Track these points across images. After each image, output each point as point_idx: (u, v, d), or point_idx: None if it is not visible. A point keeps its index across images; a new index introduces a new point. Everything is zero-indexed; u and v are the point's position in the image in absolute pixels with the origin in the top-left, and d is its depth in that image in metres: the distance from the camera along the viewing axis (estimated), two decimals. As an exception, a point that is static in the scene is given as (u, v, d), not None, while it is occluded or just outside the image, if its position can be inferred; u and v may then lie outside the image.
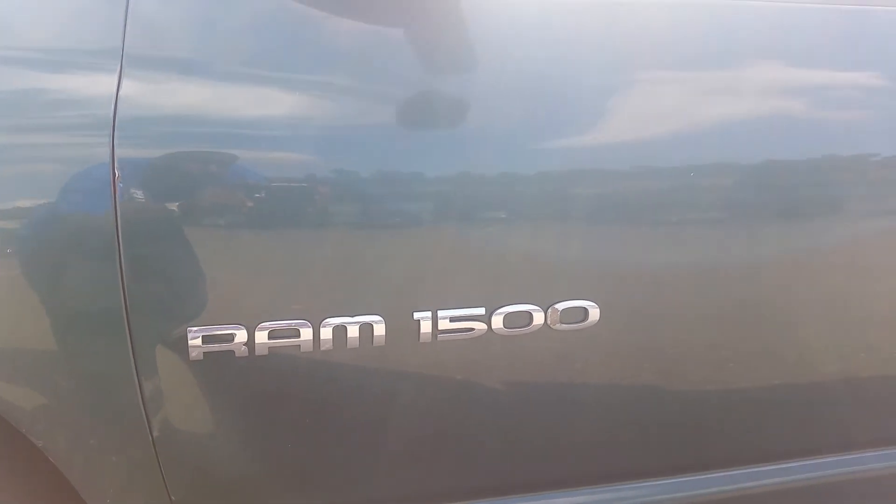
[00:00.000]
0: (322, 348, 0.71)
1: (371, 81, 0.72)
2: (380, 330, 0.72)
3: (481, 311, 0.74)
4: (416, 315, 0.72)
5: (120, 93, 0.64)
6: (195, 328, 0.68)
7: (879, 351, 0.93)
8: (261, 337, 0.69)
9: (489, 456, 0.85)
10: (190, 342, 0.68)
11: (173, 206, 0.66)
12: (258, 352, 0.69)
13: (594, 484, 0.90)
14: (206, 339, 0.68)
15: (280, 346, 0.70)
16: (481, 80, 0.74)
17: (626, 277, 0.79)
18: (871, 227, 0.87)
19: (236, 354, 0.69)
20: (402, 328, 0.72)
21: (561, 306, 0.76)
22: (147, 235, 0.65)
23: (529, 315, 0.75)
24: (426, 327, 0.73)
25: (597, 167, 0.76)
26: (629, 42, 0.79)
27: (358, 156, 0.69)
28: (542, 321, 0.76)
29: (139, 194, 0.64)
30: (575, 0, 0.77)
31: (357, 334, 0.71)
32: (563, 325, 0.76)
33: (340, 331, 0.71)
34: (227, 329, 0.68)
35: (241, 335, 0.69)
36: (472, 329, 0.74)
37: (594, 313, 0.77)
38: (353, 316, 0.71)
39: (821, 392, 0.94)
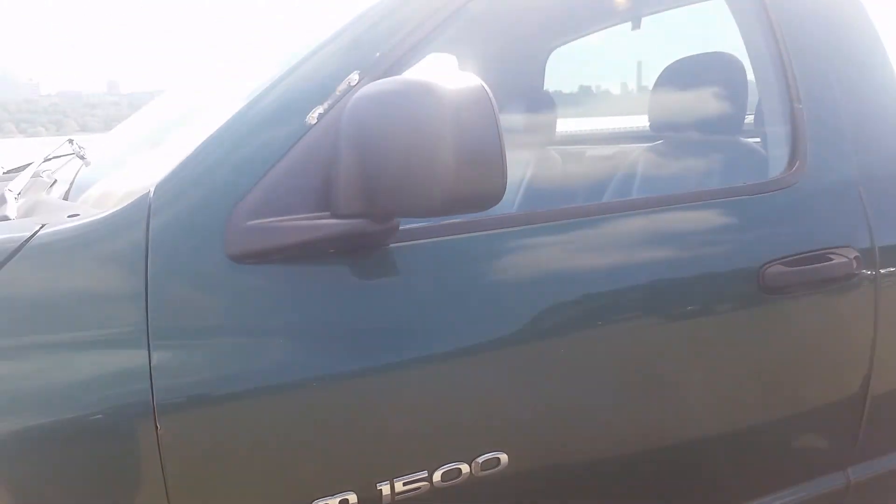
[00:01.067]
0: None
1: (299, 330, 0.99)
2: (353, 500, 0.99)
3: (424, 473, 1.03)
4: (379, 486, 1.00)
5: (153, 363, 0.90)
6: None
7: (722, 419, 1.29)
8: None
9: None
10: None
11: (200, 441, 0.92)
12: None
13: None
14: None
15: None
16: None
17: (522, 430, 1.10)
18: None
19: None
20: (370, 498, 1.00)
21: (480, 459, 1.06)
22: (183, 464, 0.91)
23: (459, 470, 1.05)
24: (387, 491, 1.01)
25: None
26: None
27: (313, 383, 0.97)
28: (468, 472, 1.05)
29: (175, 434, 0.90)
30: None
31: (337, 507, 0.98)
32: (483, 472, 1.06)
33: (325, 508, 0.98)
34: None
35: None
36: (420, 487, 1.03)
37: (504, 459, 1.07)
38: (332, 495, 0.98)
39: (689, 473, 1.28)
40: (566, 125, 2.73)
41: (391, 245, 1.03)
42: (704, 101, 1.71)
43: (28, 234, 0.94)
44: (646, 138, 2.05)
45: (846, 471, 1.42)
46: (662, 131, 1.86)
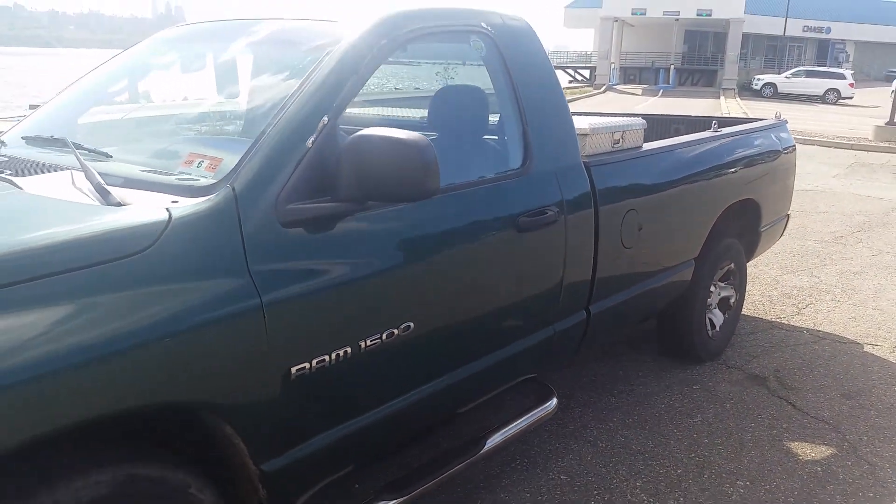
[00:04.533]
0: None
1: None
2: (349, 350, 1.85)
3: (379, 334, 1.92)
4: (359, 342, 1.87)
5: (255, 280, 1.66)
6: None
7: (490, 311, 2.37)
8: None
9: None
10: None
11: (285, 314, 1.70)
12: None
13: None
14: None
15: None
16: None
17: (420, 310, 2.04)
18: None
19: None
20: (357, 348, 1.86)
21: (401, 326, 1.98)
22: (277, 326, 1.68)
23: (393, 332, 1.96)
24: (363, 345, 1.88)
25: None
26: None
27: None
28: (397, 333, 1.97)
29: (272, 312, 1.67)
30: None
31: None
32: (403, 333, 1.99)
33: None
34: None
35: None
36: (377, 342, 1.91)
37: (412, 325, 2.01)
38: (339, 348, 1.83)
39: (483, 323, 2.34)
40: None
41: (358, 214, 1.88)
42: (463, 112, 2.75)
43: (165, 216, 1.60)
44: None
45: (553, 325, 2.64)
46: (437, 129, 2.86)
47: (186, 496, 1.62)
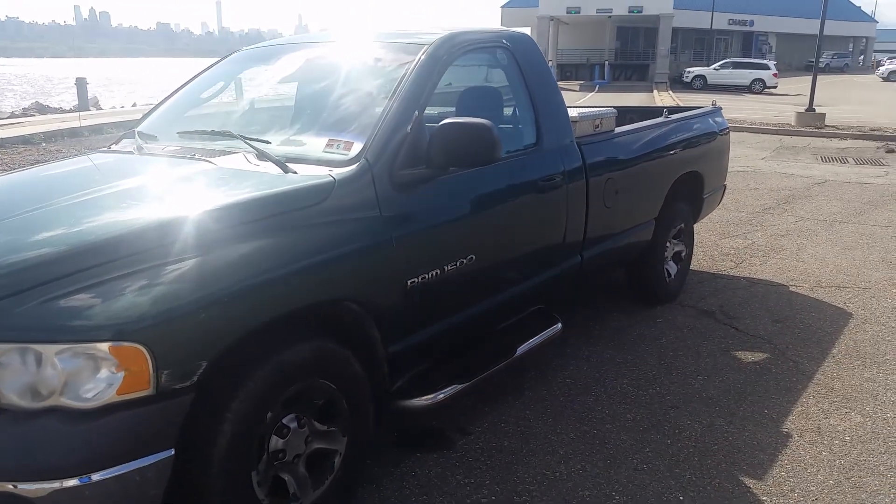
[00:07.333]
0: None
1: None
2: (438, 273, 2.69)
3: (456, 262, 2.76)
4: (444, 266, 2.71)
5: (387, 224, 2.50)
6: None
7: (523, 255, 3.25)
8: None
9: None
10: None
11: (411, 243, 2.53)
12: None
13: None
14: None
15: None
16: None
17: (480, 247, 2.90)
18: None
19: None
20: (443, 271, 2.71)
21: (467, 257, 2.83)
22: (405, 250, 2.52)
23: (463, 261, 2.81)
24: (447, 269, 2.72)
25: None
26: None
27: None
28: (464, 262, 2.82)
29: (402, 243, 2.51)
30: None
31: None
32: (468, 263, 2.84)
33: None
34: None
35: None
36: (455, 267, 2.76)
37: (474, 257, 2.86)
38: (433, 269, 2.67)
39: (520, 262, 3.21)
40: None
41: (443, 177, 2.72)
42: (486, 105, 3.61)
43: (331, 179, 2.42)
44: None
45: (560, 265, 3.52)
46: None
47: (348, 364, 2.45)
